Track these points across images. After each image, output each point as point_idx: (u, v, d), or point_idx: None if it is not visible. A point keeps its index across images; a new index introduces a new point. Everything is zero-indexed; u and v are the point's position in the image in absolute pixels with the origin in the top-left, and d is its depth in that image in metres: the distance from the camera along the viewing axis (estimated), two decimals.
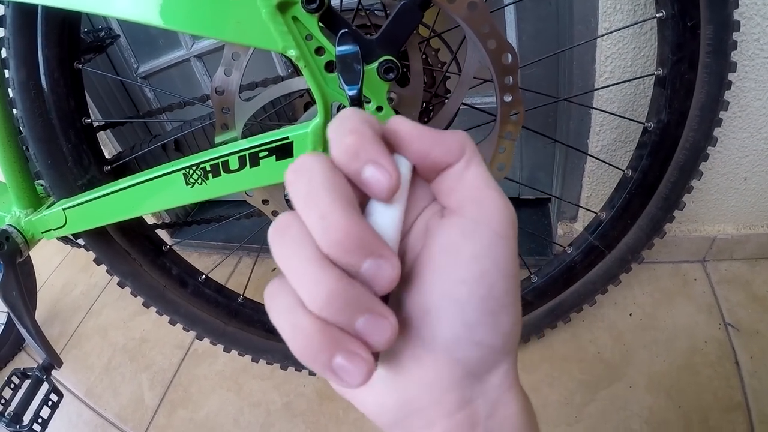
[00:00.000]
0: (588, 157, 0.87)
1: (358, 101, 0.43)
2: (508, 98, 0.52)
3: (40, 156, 0.73)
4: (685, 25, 0.63)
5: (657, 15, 0.65)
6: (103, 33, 0.93)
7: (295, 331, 0.19)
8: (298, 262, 0.19)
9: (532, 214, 1.10)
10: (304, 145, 0.49)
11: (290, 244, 0.20)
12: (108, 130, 1.23)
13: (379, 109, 0.48)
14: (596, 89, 0.77)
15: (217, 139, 0.55)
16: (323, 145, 0.49)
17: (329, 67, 0.47)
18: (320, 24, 0.45)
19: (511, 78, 0.51)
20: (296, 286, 0.19)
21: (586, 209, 0.92)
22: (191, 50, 1.17)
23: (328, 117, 0.49)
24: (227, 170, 0.52)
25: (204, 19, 0.46)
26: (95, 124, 0.73)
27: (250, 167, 0.51)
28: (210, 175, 0.53)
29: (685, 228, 0.97)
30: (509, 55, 0.50)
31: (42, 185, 0.83)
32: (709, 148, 0.72)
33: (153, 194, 0.59)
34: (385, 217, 0.21)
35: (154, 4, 0.46)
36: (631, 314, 0.95)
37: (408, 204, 0.22)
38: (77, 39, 0.72)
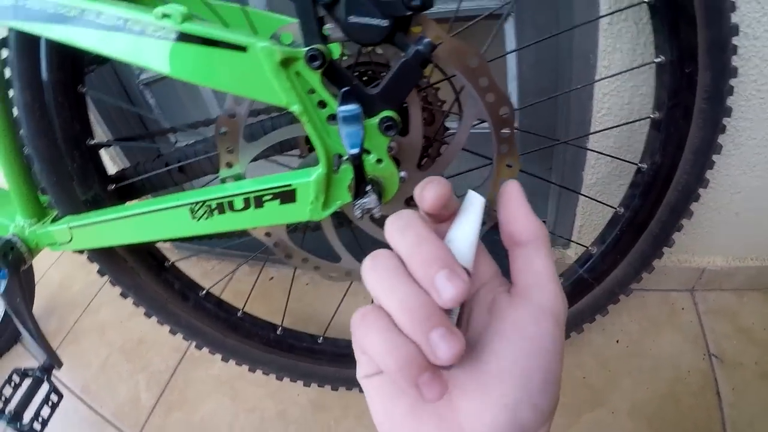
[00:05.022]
0: (583, 187, 0.88)
1: (358, 159, 0.45)
2: (504, 149, 0.53)
3: (45, 174, 0.73)
4: (682, 72, 0.64)
5: (656, 60, 0.65)
6: None
7: (389, 348, 0.23)
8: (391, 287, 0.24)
9: None
10: (307, 193, 0.51)
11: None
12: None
13: (379, 161, 0.49)
14: (592, 133, 0.78)
15: (222, 175, 0.57)
16: (325, 193, 0.51)
17: (331, 119, 0.48)
18: (323, 77, 0.47)
19: (507, 129, 0.53)
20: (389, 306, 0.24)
21: (577, 243, 0.94)
22: None
23: (330, 167, 0.50)
24: (232, 209, 0.54)
25: (209, 72, 0.47)
26: (100, 143, 0.74)
27: (255, 208, 0.53)
28: (215, 212, 0.55)
29: (676, 258, 0.98)
30: (507, 107, 0.52)
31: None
32: (700, 189, 0.73)
33: (159, 224, 0.61)
34: (463, 242, 0.25)
35: (162, 55, 0.47)
36: (617, 341, 0.98)
37: (475, 270, 0.27)
38: (81, 62, 0.72)
